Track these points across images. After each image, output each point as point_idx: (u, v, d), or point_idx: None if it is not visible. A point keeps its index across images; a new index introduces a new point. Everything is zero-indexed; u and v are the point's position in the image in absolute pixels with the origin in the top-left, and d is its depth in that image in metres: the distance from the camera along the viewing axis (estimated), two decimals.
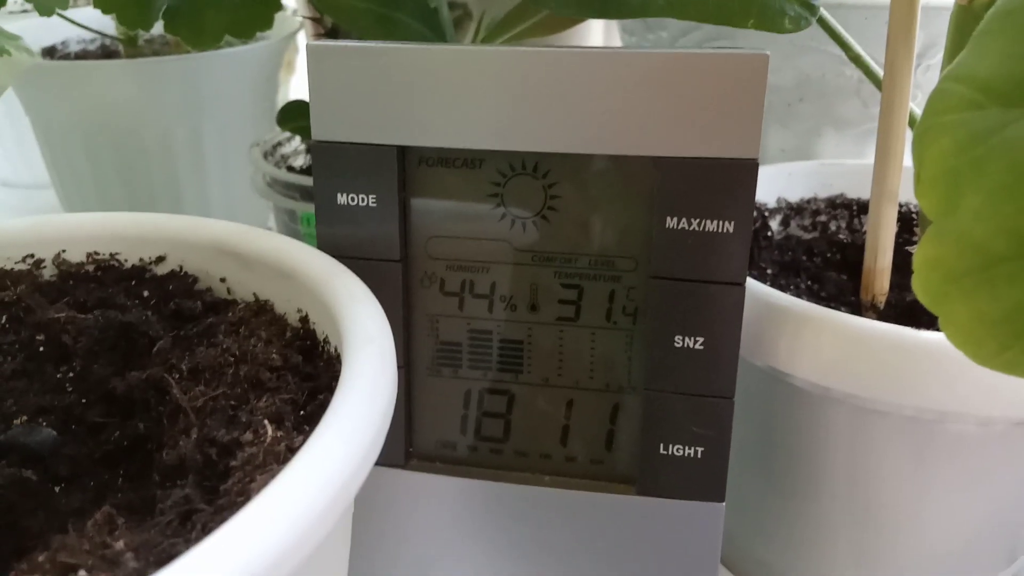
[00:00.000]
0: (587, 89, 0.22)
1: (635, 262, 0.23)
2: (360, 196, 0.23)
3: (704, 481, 0.24)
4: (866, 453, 0.26)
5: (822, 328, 0.24)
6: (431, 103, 0.22)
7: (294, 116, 0.36)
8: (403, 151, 0.23)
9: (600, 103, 0.22)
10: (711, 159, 0.21)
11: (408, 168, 0.24)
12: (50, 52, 0.55)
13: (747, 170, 0.21)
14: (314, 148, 0.23)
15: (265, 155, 0.40)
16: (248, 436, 0.18)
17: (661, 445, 0.24)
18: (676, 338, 0.23)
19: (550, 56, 0.22)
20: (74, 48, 0.57)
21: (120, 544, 0.16)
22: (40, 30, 0.56)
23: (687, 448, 0.24)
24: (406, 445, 0.26)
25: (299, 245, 0.23)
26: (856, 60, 0.27)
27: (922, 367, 0.23)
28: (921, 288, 0.17)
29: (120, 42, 0.51)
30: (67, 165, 0.50)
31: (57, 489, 0.21)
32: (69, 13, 0.45)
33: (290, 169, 0.38)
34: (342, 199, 0.24)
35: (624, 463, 0.25)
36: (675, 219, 0.22)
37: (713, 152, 0.21)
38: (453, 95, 0.22)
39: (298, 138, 0.43)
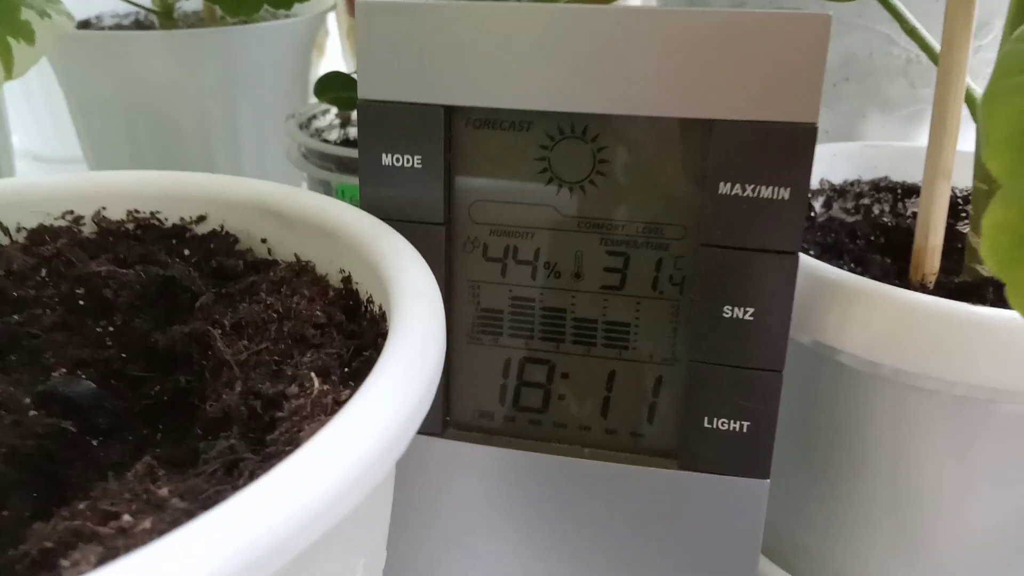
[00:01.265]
0: (641, 48, 0.21)
1: (684, 230, 0.23)
2: (405, 157, 0.23)
3: (749, 456, 0.23)
4: (911, 434, 0.26)
5: (873, 302, 0.23)
6: (480, 62, 0.22)
7: (332, 87, 0.36)
8: (450, 111, 0.23)
9: (654, 63, 0.21)
10: (768, 123, 0.21)
11: (455, 129, 0.23)
12: (84, 25, 0.55)
13: (805, 135, 0.21)
14: (360, 107, 0.23)
15: (300, 127, 0.40)
16: (294, 389, 0.18)
17: (705, 418, 0.23)
18: (725, 308, 0.22)
19: (603, 14, 0.21)
20: (108, 22, 0.57)
21: (164, 491, 0.16)
22: (75, 3, 0.56)
23: (732, 422, 0.23)
24: (443, 413, 0.26)
25: (342, 205, 0.23)
26: (911, 33, 0.27)
27: (976, 343, 0.22)
28: (989, 252, 0.17)
29: (155, 15, 0.51)
30: (101, 138, 0.50)
31: (96, 443, 0.20)
32: None
33: (324, 142, 0.38)
34: (387, 160, 0.23)
35: (666, 437, 0.25)
36: (729, 185, 0.21)
37: (771, 116, 0.21)
38: (502, 54, 0.22)
39: (332, 111, 0.43)
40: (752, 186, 0.21)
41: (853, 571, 0.29)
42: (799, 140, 0.21)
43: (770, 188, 0.21)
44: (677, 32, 0.21)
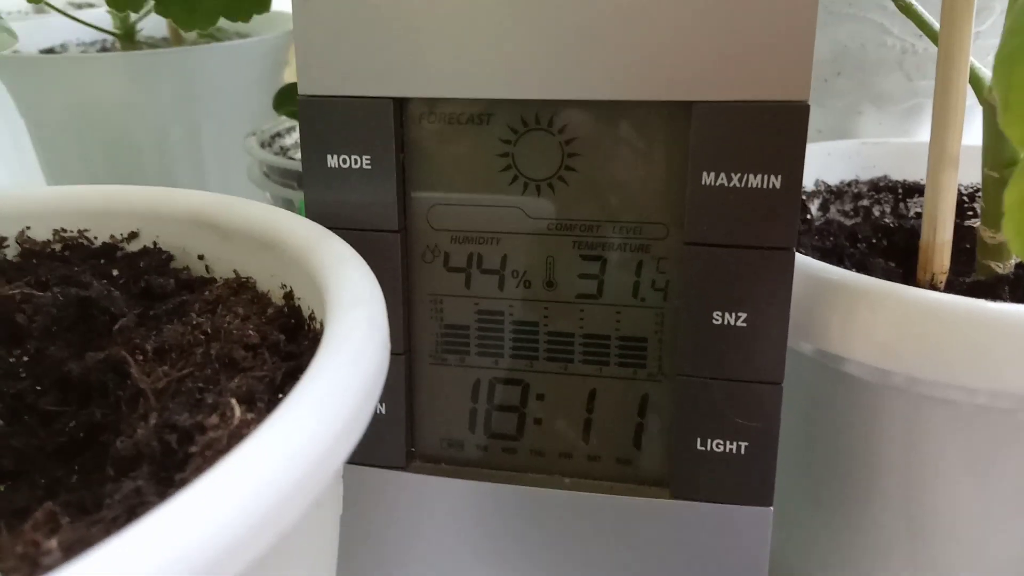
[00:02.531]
0: (611, 26, 0.19)
1: (666, 228, 0.21)
2: (353, 157, 0.21)
3: (748, 481, 0.21)
4: (927, 452, 0.23)
5: (881, 303, 0.21)
6: (432, 47, 0.20)
7: (292, 100, 0.34)
8: (401, 104, 0.21)
9: (625, 41, 0.19)
10: (754, 103, 0.19)
11: (407, 125, 0.21)
12: (49, 54, 0.53)
13: (796, 115, 0.18)
14: (301, 104, 0.21)
15: (263, 145, 0.37)
16: (213, 419, 0.15)
17: (698, 440, 0.21)
18: (715, 314, 0.20)
19: None
20: (74, 51, 0.55)
21: (53, 542, 0.13)
22: (39, 32, 0.54)
23: (728, 443, 0.21)
24: (407, 444, 0.23)
25: (283, 212, 0.20)
26: (906, 10, 0.24)
27: (999, 345, 0.20)
28: (1015, 232, 0.14)
29: (117, 38, 0.49)
30: (60, 164, 0.48)
31: (2, 488, 0.18)
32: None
33: (288, 159, 0.36)
34: (332, 161, 0.21)
35: (655, 462, 0.22)
36: (713, 175, 0.19)
37: (757, 95, 0.19)
38: (457, 37, 0.20)
39: (298, 129, 0.41)
40: (739, 175, 0.19)
41: None
42: (789, 121, 0.19)
43: (759, 176, 0.19)
44: (650, 6, 0.19)
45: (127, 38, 0.48)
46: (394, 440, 0.23)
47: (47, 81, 0.45)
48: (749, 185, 0.19)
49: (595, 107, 0.20)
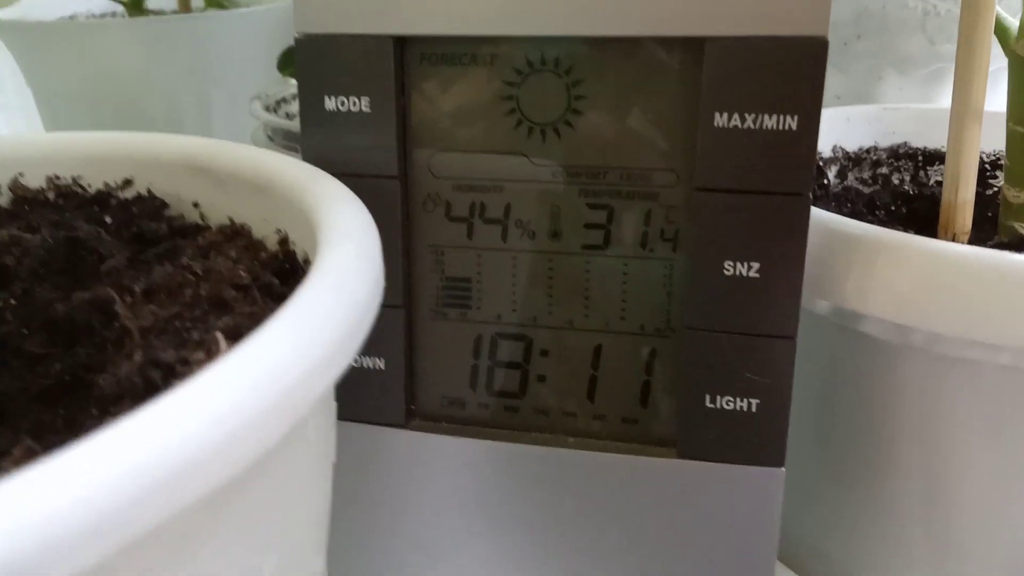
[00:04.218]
0: None
1: (676, 175, 0.20)
2: (351, 99, 0.20)
3: (759, 440, 0.20)
4: (946, 416, 0.22)
5: (902, 257, 0.20)
6: None
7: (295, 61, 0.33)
8: (401, 43, 0.20)
9: None
10: (770, 38, 0.18)
11: (408, 67, 0.20)
12: None
13: (814, 50, 0.18)
14: (298, 43, 0.20)
15: (268, 109, 0.37)
16: (199, 355, 0.15)
17: (707, 397, 0.20)
18: (726, 264, 0.19)
19: None
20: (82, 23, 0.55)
21: None
22: (49, 4, 0.54)
23: (739, 400, 0.20)
24: (407, 402, 0.22)
25: (276, 155, 0.20)
26: None
27: None
28: None
29: (126, 7, 0.49)
30: (67, 130, 0.47)
31: None
32: None
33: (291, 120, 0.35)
34: (330, 104, 0.20)
35: (662, 421, 0.21)
36: (725, 116, 0.18)
37: (772, 30, 0.18)
38: None
39: None
40: (753, 115, 0.18)
41: None
42: (806, 57, 0.18)
43: (774, 117, 0.18)
44: None
45: (136, 8, 0.47)
46: (393, 397, 0.22)
47: (57, 50, 0.45)
48: (764, 126, 0.18)
49: (603, 45, 0.19)
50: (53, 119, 0.48)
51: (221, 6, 0.46)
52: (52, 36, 0.44)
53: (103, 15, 0.56)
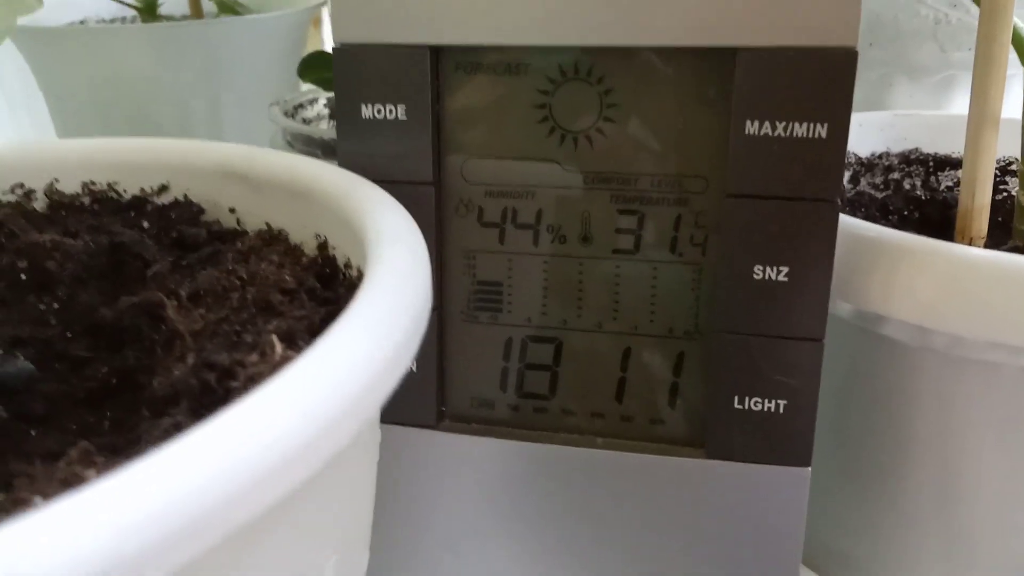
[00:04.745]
0: None
1: (705, 181, 0.20)
2: (388, 107, 0.20)
3: (786, 441, 0.20)
4: (965, 418, 0.23)
5: (924, 261, 0.20)
6: None
7: (316, 66, 0.33)
8: (437, 52, 0.20)
9: None
10: (801, 48, 0.18)
11: (442, 75, 0.21)
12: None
13: (844, 61, 0.18)
14: (336, 53, 0.20)
15: (285, 115, 0.37)
16: (254, 357, 0.15)
17: (736, 398, 0.20)
18: (756, 269, 0.20)
19: None
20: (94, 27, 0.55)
21: (92, 472, 0.13)
22: (60, 8, 0.54)
23: (766, 401, 0.20)
24: (438, 404, 0.23)
25: (313, 161, 0.20)
26: None
27: None
28: None
29: (139, 12, 0.49)
30: (78, 136, 0.47)
31: (33, 432, 0.18)
32: None
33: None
34: (367, 112, 0.21)
35: (690, 422, 0.22)
36: (756, 124, 0.19)
37: (803, 40, 0.18)
38: None
39: (321, 101, 0.40)
40: (784, 124, 0.19)
41: None
42: (837, 67, 0.18)
43: (804, 125, 0.18)
44: None
45: (149, 12, 0.48)
46: (425, 399, 0.22)
47: (69, 54, 0.45)
48: (794, 134, 0.19)
49: (635, 55, 0.20)
50: (64, 123, 0.48)
51: (233, 12, 0.46)
52: (64, 40, 0.44)
53: (114, 20, 0.56)
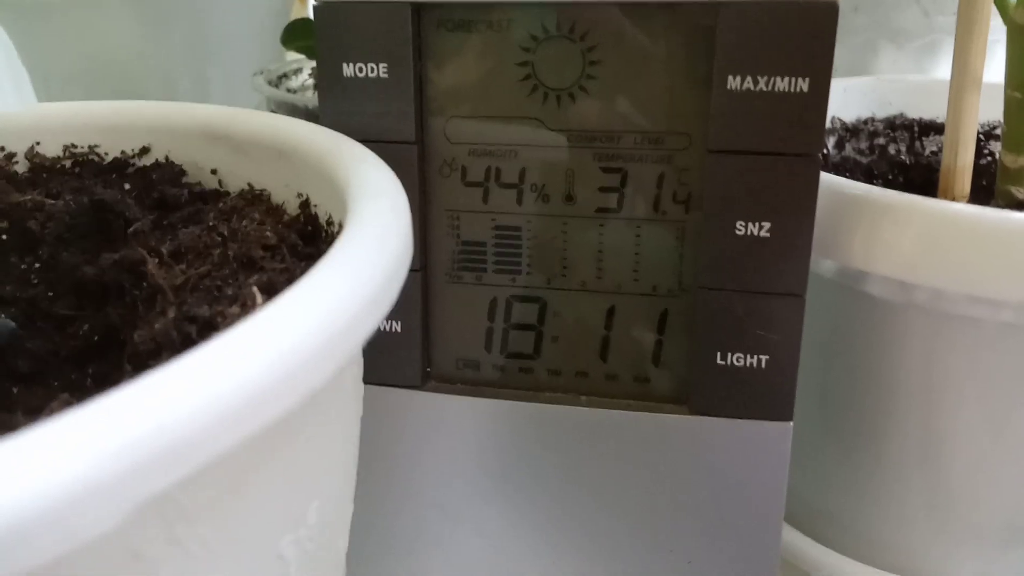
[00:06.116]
0: None
1: (688, 138, 0.20)
2: (369, 66, 0.20)
3: (768, 396, 0.21)
4: (948, 374, 0.23)
5: (906, 216, 0.21)
6: None
7: (300, 35, 0.33)
8: (418, 9, 0.20)
9: None
10: (782, 2, 0.18)
11: (424, 33, 0.20)
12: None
13: (825, 14, 0.18)
14: (317, 10, 0.20)
15: (269, 85, 0.37)
16: (235, 309, 0.15)
17: (718, 354, 0.21)
18: (738, 224, 0.20)
19: None
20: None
21: None
22: None
23: (749, 357, 0.20)
24: (423, 364, 0.23)
25: (294, 120, 0.20)
26: None
27: None
28: None
29: None
30: None
31: (16, 390, 0.18)
32: None
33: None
34: (348, 70, 0.20)
35: (674, 380, 0.22)
36: (738, 78, 0.19)
37: None
38: None
39: (305, 71, 0.40)
40: (765, 78, 0.19)
41: (880, 537, 0.27)
42: (818, 21, 0.18)
43: (786, 80, 0.18)
44: None
45: None
46: (410, 359, 0.22)
47: (53, 27, 0.44)
48: (776, 89, 0.19)
49: (617, 11, 0.20)
50: (49, 96, 0.48)
51: None
52: (52, 15, 0.44)
53: None
